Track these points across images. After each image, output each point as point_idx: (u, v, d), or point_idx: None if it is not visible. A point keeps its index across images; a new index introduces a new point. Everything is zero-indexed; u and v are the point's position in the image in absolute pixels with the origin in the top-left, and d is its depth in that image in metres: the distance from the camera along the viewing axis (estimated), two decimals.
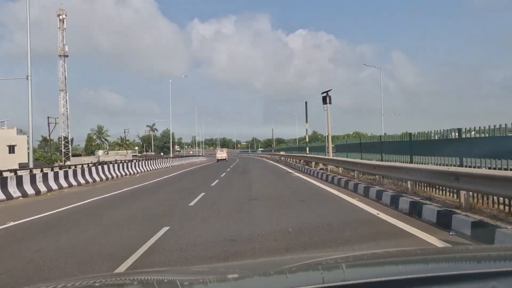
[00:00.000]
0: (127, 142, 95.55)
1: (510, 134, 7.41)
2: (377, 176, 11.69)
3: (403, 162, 11.06)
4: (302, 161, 26.55)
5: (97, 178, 23.59)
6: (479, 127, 8.22)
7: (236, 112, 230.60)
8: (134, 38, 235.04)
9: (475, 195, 7.52)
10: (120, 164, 29.20)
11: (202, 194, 13.24)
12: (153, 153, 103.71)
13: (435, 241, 5.82)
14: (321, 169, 19.91)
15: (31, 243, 6.93)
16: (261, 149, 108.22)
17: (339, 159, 15.82)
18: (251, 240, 6.30)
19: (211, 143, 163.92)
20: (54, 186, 17.78)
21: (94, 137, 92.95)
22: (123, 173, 28.52)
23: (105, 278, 2.03)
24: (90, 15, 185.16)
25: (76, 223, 8.77)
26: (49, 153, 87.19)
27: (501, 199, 6.91)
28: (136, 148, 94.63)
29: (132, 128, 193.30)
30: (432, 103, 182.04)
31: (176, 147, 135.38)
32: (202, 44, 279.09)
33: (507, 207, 6.77)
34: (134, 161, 34.56)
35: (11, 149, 51.61)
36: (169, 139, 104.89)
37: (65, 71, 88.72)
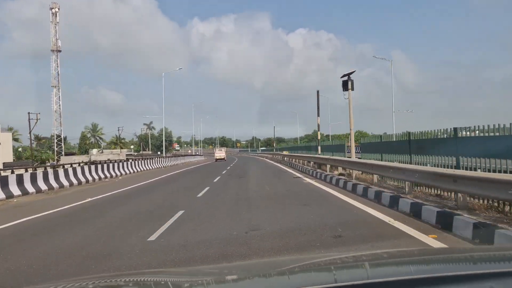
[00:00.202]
0: (123, 141, 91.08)
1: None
2: (460, 196, 7.20)
3: None
4: (312, 163, 22.12)
5: (74, 181, 20.01)
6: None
7: (236, 111, 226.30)
8: (133, 37, 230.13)
9: None
10: (105, 165, 25.74)
11: (179, 214, 8.85)
12: (150, 152, 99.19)
13: None
14: (340, 174, 15.45)
15: None
16: (263, 148, 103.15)
17: (375, 163, 11.28)
18: None
19: (210, 142, 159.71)
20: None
21: (89, 135, 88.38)
22: (106, 175, 24.50)
23: (103, 279, 1.98)
24: (89, 13, 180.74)
25: None
26: (42, 152, 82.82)
27: None
28: (132, 146, 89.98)
29: (130, 127, 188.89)
30: (432, 103, 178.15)
31: (176, 145, 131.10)
32: (201, 43, 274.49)
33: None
34: (123, 161, 31.19)
35: None
36: (167, 138, 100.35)
37: (58, 66, 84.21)
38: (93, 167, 23.97)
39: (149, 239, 6.54)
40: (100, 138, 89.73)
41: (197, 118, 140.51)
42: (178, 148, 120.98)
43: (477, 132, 8.18)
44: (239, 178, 19.76)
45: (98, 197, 13.57)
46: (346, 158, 14.45)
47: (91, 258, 5.60)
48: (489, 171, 7.25)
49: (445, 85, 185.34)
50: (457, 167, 8.23)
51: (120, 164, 29.33)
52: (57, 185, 18.30)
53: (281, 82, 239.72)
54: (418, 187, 9.75)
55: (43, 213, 10.10)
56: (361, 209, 8.76)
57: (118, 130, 77.12)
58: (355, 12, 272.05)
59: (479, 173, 6.68)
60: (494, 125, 7.52)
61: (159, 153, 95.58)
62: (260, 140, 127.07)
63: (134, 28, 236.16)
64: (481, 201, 7.34)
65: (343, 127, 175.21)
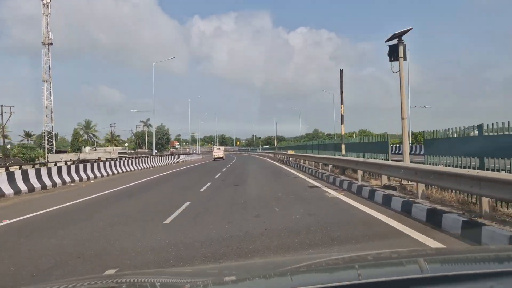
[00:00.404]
0: (117, 138, 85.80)
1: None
2: None
3: None
4: (331, 166, 16.79)
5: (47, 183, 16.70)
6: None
7: (236, 110, 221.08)
8: (133, 34, 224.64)
9: None
10: (88, 165, 22.47)
11: None
12: (147, 150, 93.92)
13: None
14: (386, 186, 10.07)
15: None
16: (265, 146, 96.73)
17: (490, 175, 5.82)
18: None
19: (210, 140, 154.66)
20: None
21: (81, 132, 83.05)
22: (73, 178, 19.48)
23: (100, 280, 1.96)
24: (89, 10, 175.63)
25: None
26: (31, 149, 77.79)
27: None
28: (126, 144, 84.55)
29: (129, 124, 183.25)
30: (432, 103, 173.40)
31: (176, 143, 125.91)
32: (202, 41, 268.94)
33: None
34: (110, 160, 28.10)
35: None
36: (164, 135, 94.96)
37: (49, 60, 78.98)
38: (65, 168, 19.52)
39: None
40: (94, 135, 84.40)
41: (195, 116, 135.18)
42: (178, 146, 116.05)
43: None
44: (235, 186, 14.50)
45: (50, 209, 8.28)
46: (401, 164, 8.95)
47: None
48: None
49: (446, 85, 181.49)
50: None
51: (102, 164, 24.55)
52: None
53: (281, 81, 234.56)
54: None
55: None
56: None
57: (111, 126, 71.76)
58: (356, 11, 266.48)
59: None
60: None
61: (155, 151, 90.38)
62: (260, 138, 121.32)
63: (133, 25, 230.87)
64: None
65: (348, 126, 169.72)
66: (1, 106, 49.37)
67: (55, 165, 20.28)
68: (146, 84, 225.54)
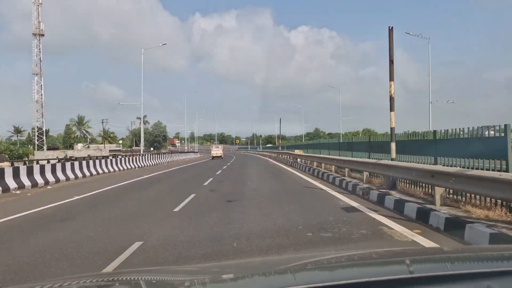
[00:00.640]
0: (111, 135, 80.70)
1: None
2: None
3: None
4: (366, 174, 11.52)
5: None
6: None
7: (236, 108, 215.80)
8: (133, 30, 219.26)
9: None
10: (69, 164, 19.29)
11: None
12: (143, 148, 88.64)
13: None
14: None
15: None
16: (269, 145, 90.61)
17: None
18: None
19: (209, 138, 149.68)
20: None
21: (74, 128, 77.86)
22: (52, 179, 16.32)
23: (96, 277, 1.89)
24: (90, 6, 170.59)
25: None
26: (20, 147, 72.98)
27: None
28: (120, 141, 79.30)
29: (127, 122, 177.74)
30: (433, 102, 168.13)
31: (176, 141, 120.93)
32: (202, 38, 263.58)
33: None
34: (94, 159, 24.58)
35: None
36: (161, 133, 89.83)
37: (40, 52, 73.90)
38: (37, 167, 16.08)
39: None
40: (87, 131, 79.24)
41: (194, 113, 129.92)
42: (178, 144, 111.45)
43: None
44: (227, 203, 9.47)
45: None
46: None
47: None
48: None
49: (447, 85, 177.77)
50: None
51: (76, 164, 19.98)
52: None
53: (282, 79, 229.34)
54: None
55: None
56: None
57: (102, 122, 66.54)
58: (357, 10, 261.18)
59: None
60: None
61: (151, 149, 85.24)
62: (261, 136, 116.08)
63: (134, 22, 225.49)
64: None
65: (349, 125, 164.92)
66: None
67: (25, 164, 17.94)
68: (146, 81, 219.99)
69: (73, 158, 26.46)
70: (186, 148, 76.09)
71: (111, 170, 25.27)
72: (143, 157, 34.84)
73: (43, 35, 73.92)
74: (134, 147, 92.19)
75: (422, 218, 6.60)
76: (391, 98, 9.26)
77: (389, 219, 6.88)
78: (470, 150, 7.54)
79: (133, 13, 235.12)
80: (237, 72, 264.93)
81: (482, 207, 6.64)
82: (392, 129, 9.47)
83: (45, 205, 9.87)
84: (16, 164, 19.22)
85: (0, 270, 4.63)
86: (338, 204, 8.84)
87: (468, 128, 7.75)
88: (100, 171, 23.01)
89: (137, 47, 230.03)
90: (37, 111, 73.89)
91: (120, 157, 31.14)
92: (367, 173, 11.11)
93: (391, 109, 9.38)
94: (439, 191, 7.29)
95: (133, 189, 13.92)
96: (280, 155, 37.02)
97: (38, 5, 72.53)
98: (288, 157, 29.99)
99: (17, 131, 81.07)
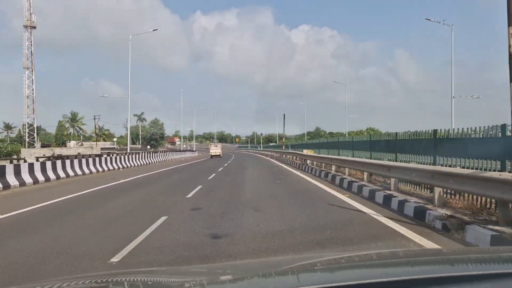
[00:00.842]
0: (106, 133, 76.42)
1: None
2: None
3: None
4: (439, 192, 6.97)
5: None
6: None
7: (236, 107, 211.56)
8: (133, 28, 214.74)
9: None
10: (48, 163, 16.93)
11: None
12: (139, 146, 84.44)
13: None
14: None
15: None
16: (272, 144, 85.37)
17: None
18: None
19: (209, 137, 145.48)
20: None
21: (67, 125, 73.52)
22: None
23: (94, 278, 1.84)
24: (88, 3, 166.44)
25: None
26: (9, 144, 68.81)
27: None
28: (115, 139, 74.85)
29: (125, 119, 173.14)
30: (434, 102, 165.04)
31: (176, 139, 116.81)
32: (203, 37, 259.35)
33: None
34: (81, 158, 22.09)
35: None
36: (159, 130, 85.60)
37: (31, 45, 69.63)
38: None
39: None
40: (80, 128, 74.85)
41: (192, 110, 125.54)
42: (179, 142, 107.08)
43: None
44: (213, 242, 5.32)
45: None
46: None
47: None
48: None
49: (447, 85, 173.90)
50: None
51: (56, 164, 17.37)
52: None
53: (282, 79, 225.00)
54: None
55: None
56: None
57: (94, 119, 62.22)
58: (359, 10, 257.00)
59: None
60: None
61: (148, 147, 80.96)
62: (262, 134, 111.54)
63: (134, 19, 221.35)
64: None
65: (354, 124, 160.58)
66: None
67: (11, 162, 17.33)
68: (146, 79, 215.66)
69: (61, 156, 24.52)
70: (182, 146, 71.75)
71: (94, 171, 21.21)
72: (132, 156, 30.64)
73: (34, 27, 69.53)
74: (130, 145, 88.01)
75: None
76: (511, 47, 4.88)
77: None
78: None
79: (134, 9, 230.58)
80: (237, 71, 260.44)
81: None
82: None
83: None
84: None
85: None
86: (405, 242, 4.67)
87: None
88: (80, 172, 19.29)
89: (137, 46, 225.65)
90: (28, 106, 69.63)
91: (105, 156, 27.14)
92: (440, 189, 6.82)
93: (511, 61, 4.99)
94: None
95: (86, 204, 9.70)
96: (284, 155, 32.76)
97: None
98: (294, 157, 25.75)
99: (7, 127, 76.80)
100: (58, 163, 17.79)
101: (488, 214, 6.13)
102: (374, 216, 7.06)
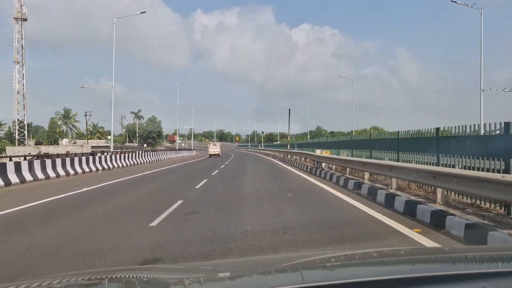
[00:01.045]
0: (101, 130, 72.21)
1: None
2: None
3: None
4: None
5: None
6: None
7: (236, 106, 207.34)
8: (134, 26, 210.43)
9: None
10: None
11: None
12: (136, 144, 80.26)
13: None
14: None
15: None
16: (277, 142, 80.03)
17: None
18: None
19: (209, 136, 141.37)
20: None
21: (60, 122, 69.23)
22: None
23: (93, 274, 1.80)
24: (90, 1, 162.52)
25: None
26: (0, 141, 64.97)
27: None
28: (109, 137, 70.41)
29: (127, 118, 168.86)
30: (434, 102, 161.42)
31: (176, 137, 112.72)
32: (204, 35, 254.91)
33: None
34: (64, 157, 19.61)
35: None
36: (156, 128, 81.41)
37: (22, 38, 65.40)
38: None
39: None
40: (73, 126, 70.54)
41: (190, 108, 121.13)
42: (179, 140, 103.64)
43: None
44: None
45: None
46: None
47: None
48: None
49: (448, 85, 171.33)
50: None
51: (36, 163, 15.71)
52: None
53: (282, 78, 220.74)
54: None
55: None
56: None
57: (86, 115, 57.95)
58: (360, 9, 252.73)
59: None
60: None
61: (145, 145, 76.73)
62: (263, 132, 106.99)
63: (134, 18, 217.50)
64: None
65: (345, 125, 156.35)
66: None
67: None
68: (146, 79, 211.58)
69: (48, 155, 22.91)
70: (178, 145, 67.42)
71: (71, 172, 17.56)
72: (118, 156, 26.47)
73: (25, 19, 65.13)
74: (127, 144, 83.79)
75: None
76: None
77: None
78: None
79: (134, 7, 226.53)
80: (238, 70, 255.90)
81: None
82: None
83: None
84: None
85: None
86: None
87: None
88: (53, 175, 16.39)
89: (137, 44, 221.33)
90: (18, 102, 65.47)
91: (86, 156, 23.31)
92: None
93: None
94: None
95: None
96: (289, 156, 28.55)
97: None
98: (303, 159, 21.53)
99: None
100: (35, 163, 15.84)
101: None
102: None
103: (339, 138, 18.36)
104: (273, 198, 9.50)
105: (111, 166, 24.59)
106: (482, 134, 7.16)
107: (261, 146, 78.87)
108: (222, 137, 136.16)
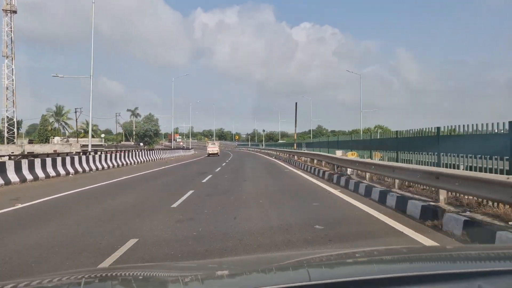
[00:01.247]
0: (94, 128, 68.30)
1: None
2: None
3: None
4: None
5: None
6: None
7: (236, 105, 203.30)
8: (134, 24, 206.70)
9: None
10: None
11: None
12: (133, 143, 76.40)
13: None
14: None
15: None
16: (282, 141, 75.41)
17: None
18: None
19: (209, 134, 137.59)
20: None
21: (51, 119, 65.34)
22: None
23: (91, 273, 1.76)
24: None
25: None
26: None
27: None
28: (102, 135, 66.57)
29: (125, 115, 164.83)
30: (435, 101, 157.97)
31: (177, 136, 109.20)
32: (204, 34, 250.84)
33: None
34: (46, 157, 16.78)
35: None
36: (153, 126, 77.47)
37: (11, 31, 61.47)
38: None
39: None
40: (66, 123, 66.66)
41: (193, 110, 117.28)
42: (180, 139, 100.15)
43: None
44: None
45: None
46: None
47: None
48: None
49: (449, 85, 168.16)
50: None
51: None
52: None
53: (283, 77, 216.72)
54: None
55: None
56: None
57: (76, 112, 54.03)
58: (360, 9, 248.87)
59: None
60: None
61: (141, 144, 72.86)
62: (264, 131, 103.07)
63: (135, 15, 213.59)
64: None
65: (346, 125, 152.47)
66: None
67: None
68: (146, 78, 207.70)
69: (33, 154, 20.94)
70: (173, 144, 63.48)
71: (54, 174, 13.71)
72: (95, 157, 22.53)
73: (15, 11, 61.15)
74: (123, 142, 79.92)
75: None
76: None
77: None
78: None
79: (135, 6, 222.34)
80: (238, 69, 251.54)
81: None
82: None
83: None
84: None
85: None
86: None
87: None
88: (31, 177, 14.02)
89: (137, 43, 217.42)
90: (7, 99, 61.64)
91: (90, 155, 20.01)
92: None
93: None
94: None
95: None
96: (295, 157, 24.63)
97: None
98: (315, 161, 17.65)
99: None
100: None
101: None
102: None
103: (368, 136, 14.46)
104: (293, 238, 5.58)
105: (95, 167, 20.87)
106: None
107: (262, 145, 74.85)
108: (222, 136, 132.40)
